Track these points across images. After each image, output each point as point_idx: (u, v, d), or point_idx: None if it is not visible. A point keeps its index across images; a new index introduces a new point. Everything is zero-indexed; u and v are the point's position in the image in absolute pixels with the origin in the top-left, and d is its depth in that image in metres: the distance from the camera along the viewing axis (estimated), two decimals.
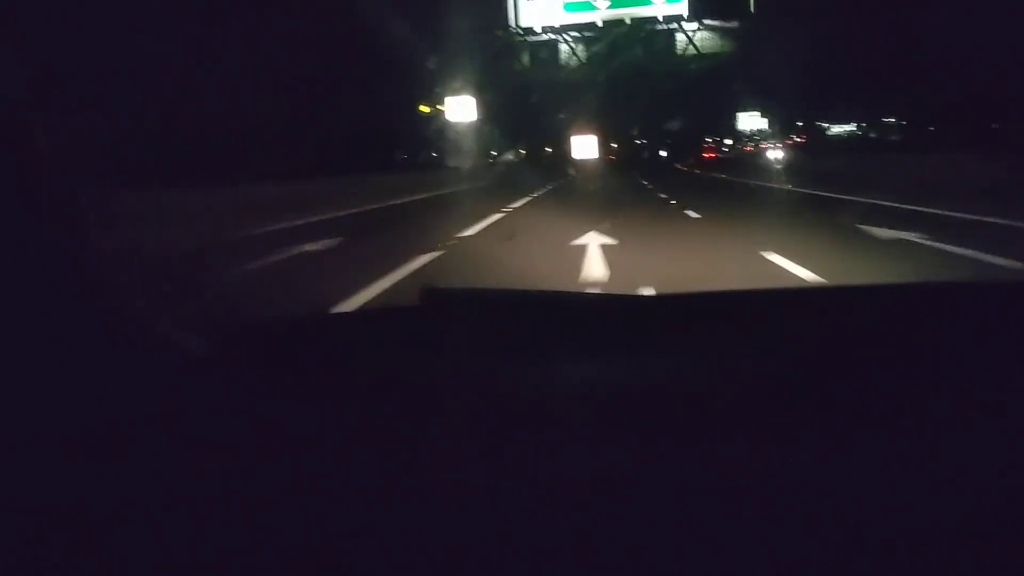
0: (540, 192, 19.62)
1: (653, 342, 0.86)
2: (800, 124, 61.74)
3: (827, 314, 0.89)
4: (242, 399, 0.76)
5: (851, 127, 52.37)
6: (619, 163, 51.00)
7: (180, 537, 0.58)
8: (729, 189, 20.69)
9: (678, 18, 45.06)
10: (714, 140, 76.92)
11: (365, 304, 4.36)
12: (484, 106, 36.41)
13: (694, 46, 46.04)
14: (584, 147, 48.50)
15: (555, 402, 0.75)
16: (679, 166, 51.76)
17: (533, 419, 0.71)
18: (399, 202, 15.89)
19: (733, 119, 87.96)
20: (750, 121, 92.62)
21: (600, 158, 48.16)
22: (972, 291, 0.98)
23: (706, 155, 63.47)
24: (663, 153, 71.34)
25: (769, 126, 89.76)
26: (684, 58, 46.57)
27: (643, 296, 1.14)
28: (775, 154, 38.39)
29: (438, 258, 6.76)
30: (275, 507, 0.61)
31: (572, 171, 37.62)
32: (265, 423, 0.72)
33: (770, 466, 0.63)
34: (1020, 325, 0.83)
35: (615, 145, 61.48)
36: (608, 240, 7.35)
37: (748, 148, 67.60)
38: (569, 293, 0.97)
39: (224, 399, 0.75)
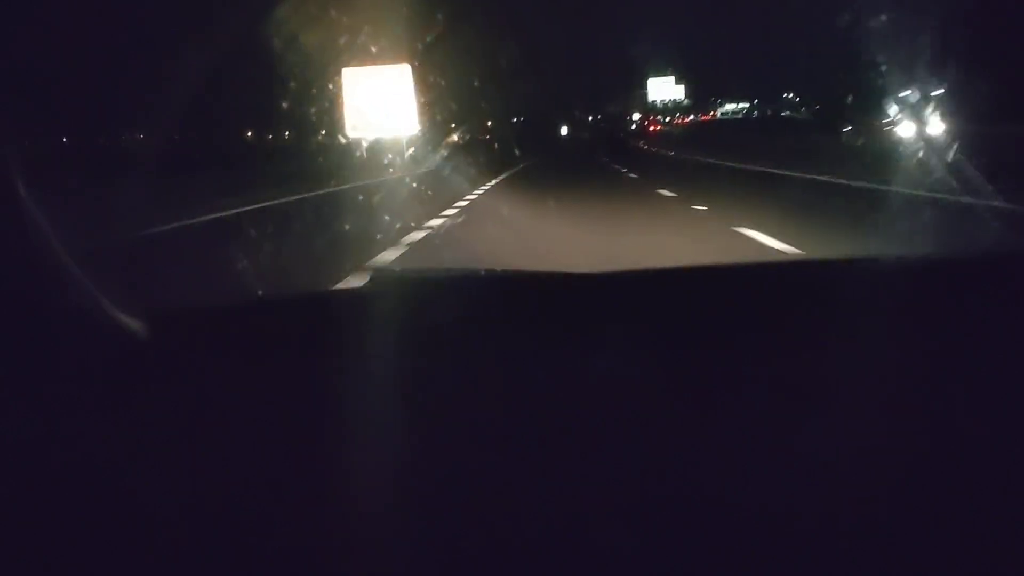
0: None
1: (603, 318, 0.86)
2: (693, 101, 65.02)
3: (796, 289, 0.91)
4: (186, 383, 0.76)
5: (744, 105, 52.46)
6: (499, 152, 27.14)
7: (123, 521, 0.59)
8: None
9: None
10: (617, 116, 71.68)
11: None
12: None
13: None
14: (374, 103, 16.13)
15: (503, 380, 0.76)
16: (645, 146, 38.40)
17: (482, 398, 0.73)
18: None
19: (642, 89, 75.43)
20: (663, 89, 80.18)
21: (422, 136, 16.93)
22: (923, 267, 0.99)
23: (652, 128, 61.98)
24: (564, 131, 61.07)
25: (686, 95, 78.42)
26: None
27: (594, 273, 1.00)
28: (917, 132, 15.14)
29: None
30: (220, 491, 0.61)
31: None
32: (207, 407, 0.73)
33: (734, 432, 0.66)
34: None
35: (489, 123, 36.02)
36: None
37: (684, 121, 65.15)
38: (517, 272, 0.95)
39: (168, 383, 0.76)
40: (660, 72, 73.36)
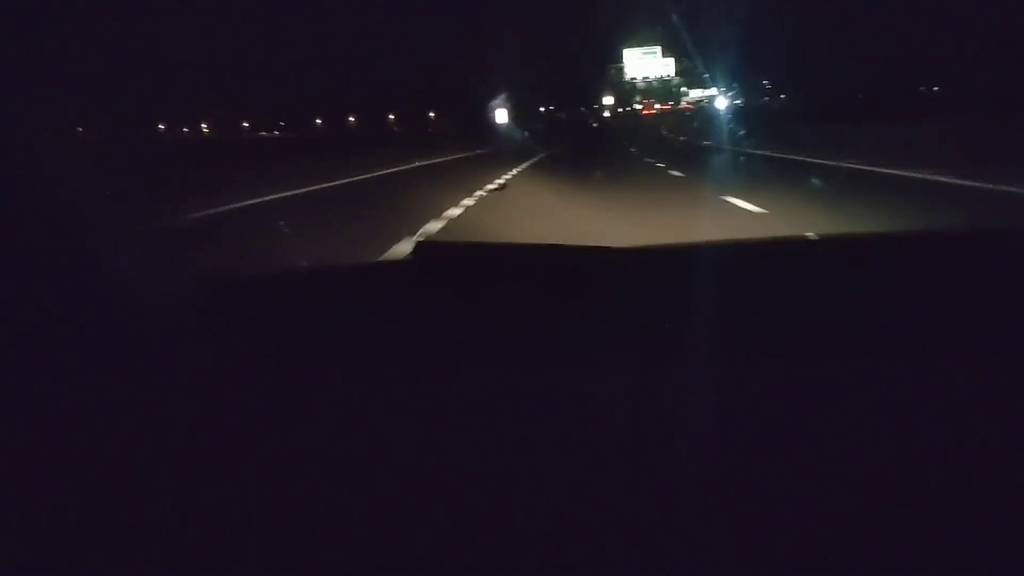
0: None
1: (645, 292, 0.88)
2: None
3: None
4: (230, 354, 0.76)
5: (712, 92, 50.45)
6: None
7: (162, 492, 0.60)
8: None
9: None
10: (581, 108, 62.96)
11: None
12: None
13: None
14: None
15: (546, 350, 0.77)
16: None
17: (526, 370, 0.74)
18: None
19: (616, 64, 60.73)
20: (644, 64, 64.26)
21: None
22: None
23: (646, 113, 60.53)
24: (504, 123, 46.57)
25: (677, 72, 63.14)
26: None
27: (635, 248, 0.98)
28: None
29: None
30: (263, 459, 0.63)
31: None
32: (252, 378, 0.74)
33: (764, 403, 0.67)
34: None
35: None
36: None
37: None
38: (560, 246, 0.97)
39: (212, 355, 0.77)
40: (641, 40, 58.43)
